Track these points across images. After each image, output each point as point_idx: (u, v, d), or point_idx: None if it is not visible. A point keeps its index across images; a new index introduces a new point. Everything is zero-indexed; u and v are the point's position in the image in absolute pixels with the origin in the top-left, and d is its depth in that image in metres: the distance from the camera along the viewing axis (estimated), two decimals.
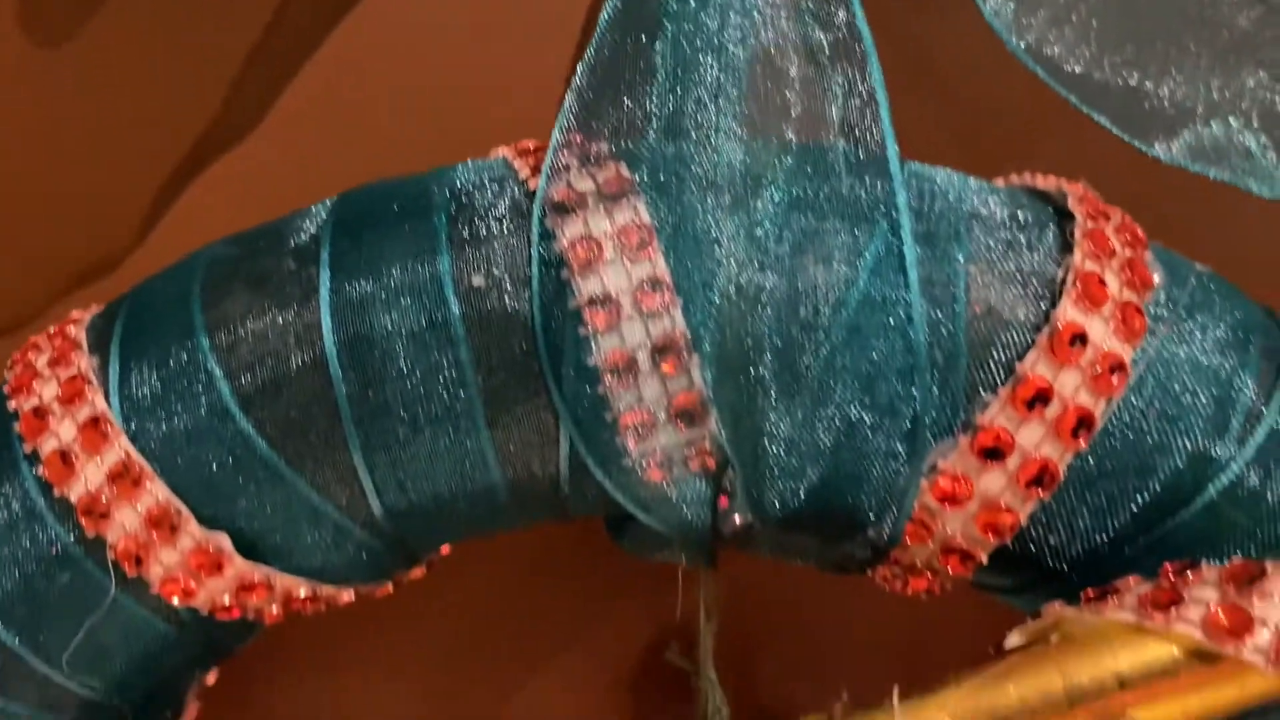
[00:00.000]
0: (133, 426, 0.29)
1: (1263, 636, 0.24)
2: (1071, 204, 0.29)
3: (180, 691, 0.35)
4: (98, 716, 0.32)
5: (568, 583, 0.41)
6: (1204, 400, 0.27)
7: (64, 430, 0.29)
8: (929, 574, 0.29)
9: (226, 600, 0.29)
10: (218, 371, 0.28)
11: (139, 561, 0.29)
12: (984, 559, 0.28)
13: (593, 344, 0.27)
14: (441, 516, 0.30)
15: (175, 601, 0.29)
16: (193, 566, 0.29)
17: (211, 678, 0.36)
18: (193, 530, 0.28)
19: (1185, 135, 0.32)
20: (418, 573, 0.33)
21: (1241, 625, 0.24)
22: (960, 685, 0.26)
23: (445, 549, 0.34)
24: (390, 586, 0.32)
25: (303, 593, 0.30)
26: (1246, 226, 0.35)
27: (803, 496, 0.28)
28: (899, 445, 0.27)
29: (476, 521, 0.30)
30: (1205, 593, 0.25)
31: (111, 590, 0.29)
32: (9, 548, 0.29)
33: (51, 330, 0.31)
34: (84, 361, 0.29)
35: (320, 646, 0.42)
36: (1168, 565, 0.26)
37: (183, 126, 0.40)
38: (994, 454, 0.27)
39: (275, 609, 0.30)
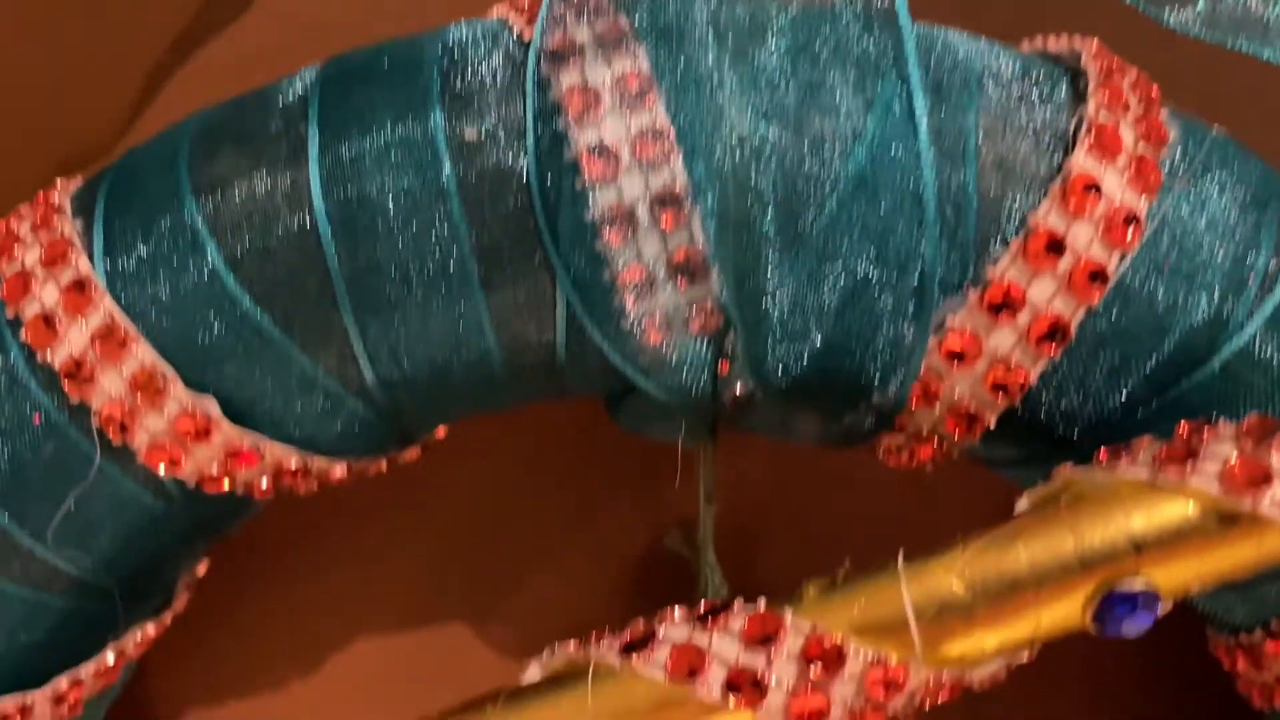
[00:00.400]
0: (118, 289, 0.28)
1: None
2: (1085, 60, 0.28)
3: (170, 580, 0.34)
4: (85, 596, 0.31)
5: (565, 476, 0.40)
6: (1221, 259, 0.26)
7: (46, 294, 0.28)
8: (934, 441, 0.28)
9: (214, 469, 0.29)
10: (205, 232, 0.28)
11: (124, 428, 0.28)
12: (992, 422, 0.27)
13: (590, 197, 0.26)
14: (436, 387, 0.29)
15: (162, 471, 0.29)
16: (179, 432, 0.28)
17: (202, 569, 0.36)
18: (179, 394, 0.28)
19: (1199, 3, 0.31)
20: (412, 453, 0.32)
21: (1259, 478, 0.24)
22: (967, 547, 0.25)
23: (441, 432, 0.33)
24: (384, 464, 0.32)
25: (293, 464, 0.29)
26: (1263, 100, 0.34)
27: (806, 360, 0.27)
28: (907, 302, 0.26)
29: (472, 395, 0.30)
30: (1222, 448, 0.24)
31: (96, 460, 0.29)
32: None
33: (35, 199, 0.30)
34: (67, 225, 0.29)
35: (310, 543, 0.41)
36: (1183, 424, 0.25)
37: (170, 10, 0.39)
38: (1004, 308, 0.26)
39: (265, 482, 0.30)
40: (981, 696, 0.38)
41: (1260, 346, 0.27)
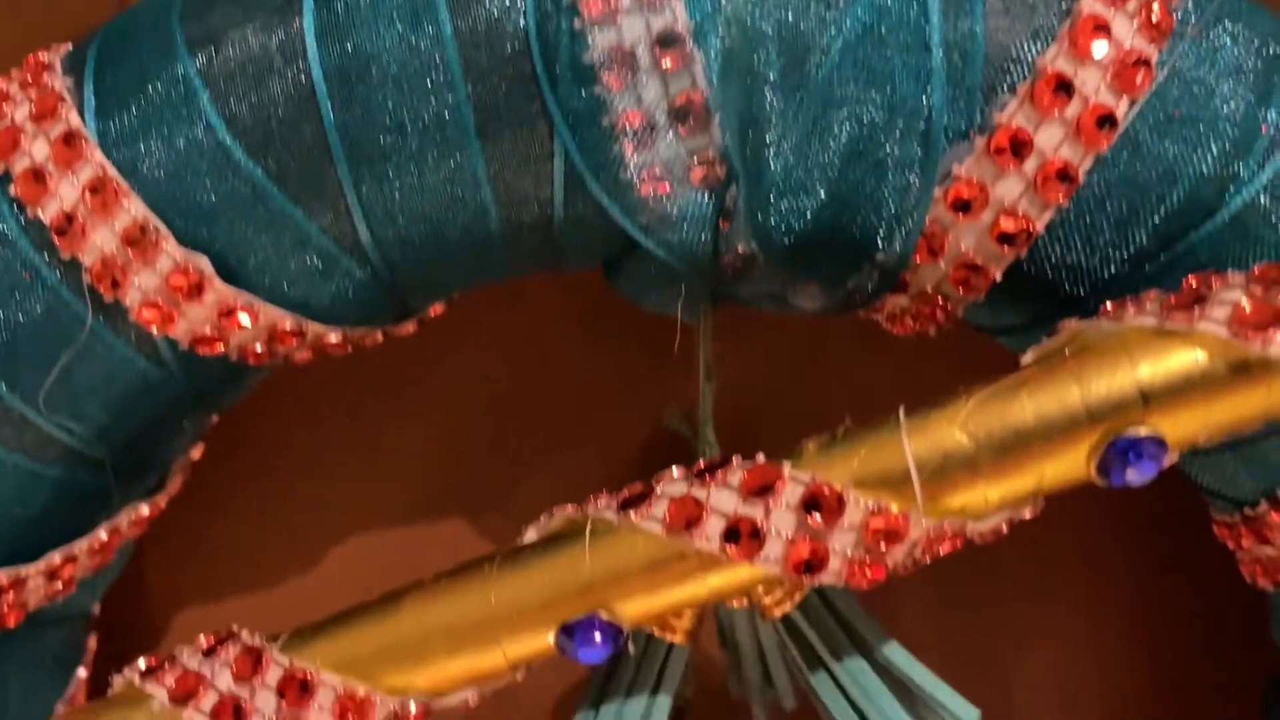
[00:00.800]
0: (109, 145, 0.27)
1: None
2: None
3: (164, 459, 0.34)
4: (79, 466, 0.31)
5: (565, 369, 0.40)
6: (1232, 109, 0.26)
7: (36, 148, 0.28)
8: (939, 301, 0.28)
9: (207, 329, 0.28)
10: (199, 85, 0.27)
11: (115, 284, 0.28)
12: (998, 275, 0.27)
13: (588, 37, 0.25)
14: (432, 248, 0.28)
15: (154, 331, 0.28)
16: (172, 289, 0.27)
17: (197, 453, 0.35)
18: (172, 250, 0.27)
19: None
20: (408, 327, 0.32)
21: (1269, 319, 0.23)
22: (971, 398, 0.25)
23: (437, 309, 0.33)
24: (379, 335, 0.31)
25: (288, 325, 0.29)
26: None
27: (810, 216, 0.26)
28: (913, 150, 0.26)
29: (468, 261, 0.29)
30: (1231, 294, 0.24)
31: (88, 319, 0.28)
32: None
33: (25, 61, 0.30)
34: (57, 81, 0.28)
35: (308, 439, 0.41)
36: (1191, 276, 0.25)
37: None
38: (1011, 154, 0.25)
39: (259, 346, 0.29)
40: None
41: (1271, 199, 0.26)
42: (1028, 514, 0.25)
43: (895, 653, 0.31)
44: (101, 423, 0.30)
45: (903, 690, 0.31)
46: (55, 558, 0.32)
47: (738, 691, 0.35)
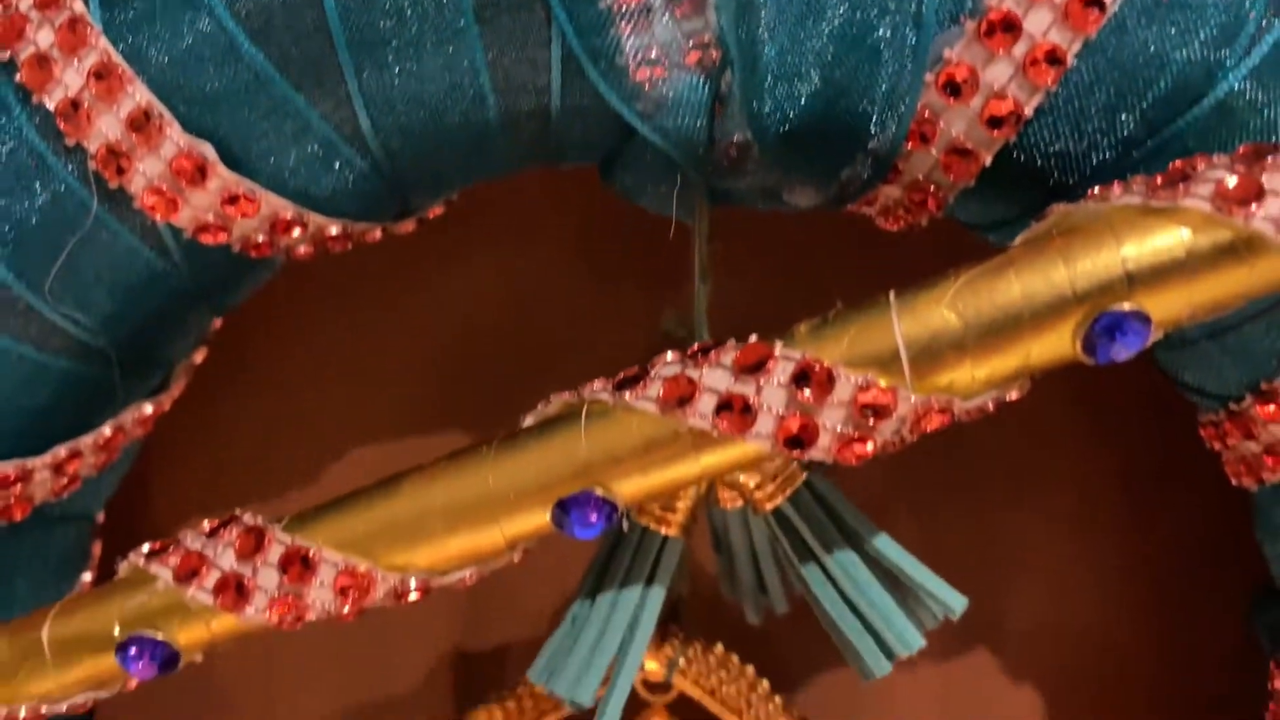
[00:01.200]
0: (113, 30, 0.28)
1: (1273, 205, 0.23)
2: None
3: (167, 357, 0.34)
4: (85, 359, 0.31)
5: (563, 281, 0.40)
6: None
7: (41, 36, 0.28)
8: (930, 189, 0.28)
9: (211, 217, 0.29)
10: None
11: (120, 171, 0.28)
12: (988, 160, 0.27)
13: None
14: (432, 139, 0.29)
15: (158, 218, 0.29)
16: (175, 173, 0.28)
17: (200, 356, 0.36)
18: (176, 135, 0.28)
19: None
20: (408, 225, 0.32)
21: (1251, 193, 0.23)
22: (958, 278, 0.25)
23: (437, 210, 0.33)
24: (379, 232, 0.32)
25: (289, 215, 0.29)
26: None
27: (803, 102, 0.27)
28: (904, 34, 0.26)
29: (467, 152, 0.30)
30: (1215, 173, 0.24)
31: (93, 206, 0.29)
32: None
33: None
34: None
35: (310, 355, 0.41)
36: (1176, 160, 0.25)
37: None
38: (1001, 35, 0.26)
39: (261, 236, 0.30)
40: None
41: (1256, 85, 0.26)
42: (1014, 394, 0.26)
43: (885, 544, 0.31)
44: (106, 313, 0.30)
45: (892, 581, 0.31)
46: (61, 451, 0.32)
47: (730, 594, 0.36)
